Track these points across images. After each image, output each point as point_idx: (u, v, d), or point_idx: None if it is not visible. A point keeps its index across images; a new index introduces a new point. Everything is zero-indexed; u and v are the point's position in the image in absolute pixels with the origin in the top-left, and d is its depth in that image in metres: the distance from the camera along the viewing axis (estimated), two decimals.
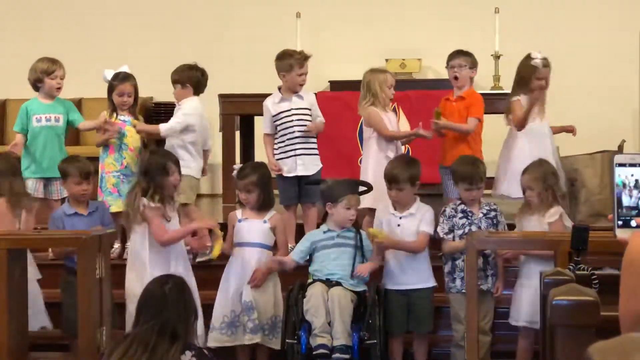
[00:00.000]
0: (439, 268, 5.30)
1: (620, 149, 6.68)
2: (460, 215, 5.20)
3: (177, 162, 5.13)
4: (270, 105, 5.95)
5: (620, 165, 2.18)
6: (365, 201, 5.50)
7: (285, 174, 5.90)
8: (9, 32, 9.56)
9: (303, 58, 5.89)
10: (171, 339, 3.39)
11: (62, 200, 5.86)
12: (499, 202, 5.72)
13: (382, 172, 5.39)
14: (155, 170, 5.00)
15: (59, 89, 6.18)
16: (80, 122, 6.26)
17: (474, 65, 6.15)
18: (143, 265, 4.90)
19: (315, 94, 6.39)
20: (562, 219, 5.10)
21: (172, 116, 6.23)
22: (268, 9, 9.30)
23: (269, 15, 9.24)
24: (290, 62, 5.86)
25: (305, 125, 5.88)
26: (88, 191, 5.33)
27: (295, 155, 5.88)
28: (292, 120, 5.87)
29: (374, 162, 5.76)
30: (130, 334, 3.49)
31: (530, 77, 5.94)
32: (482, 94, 6.40)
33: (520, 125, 5.91)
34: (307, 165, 5.90)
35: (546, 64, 5.97)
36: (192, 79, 6.13)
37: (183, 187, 5.62)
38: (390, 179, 5.21)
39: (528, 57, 6.01)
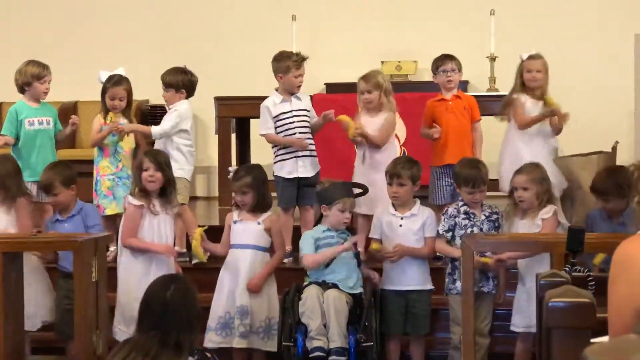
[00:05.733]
0: (435, 271, 5.30)
1: (614, 151, 6.68)
2: (463, 216, 5.20)
3: (154, 160, 5.13)
4: (272, 106, 5.93)
5: None
6: (364, 208, 5.53)
7: (286, 176, 5.90)
8: (1, 35, 9.54)
9: (300, 60, 5.88)
10: (175, 348, 3.26)
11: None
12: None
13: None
14: (137, 165, 5.17)
15: (46, 93, 6.18)
16: (59, 131, 6.25)
17: (461, 68, 6.19)
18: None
19: (311, 96, 6.38)
20: (557, 215, 5.15)
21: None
22: (264, 11, 9.30)
23: (265, 18, 9.23)
24: (288, 64, 5.85)
25: (305, 127, 5.88)
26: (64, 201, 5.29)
27: (296, 157, 5.88)
28: (293, 122, 5.88)
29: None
30: (131, 339, 3.37)
31: (521, 71, 6.01)
32: (478, 96, 6.43)
33: (524, 126, 5.94)
34: (307, 166, 5.90)
35: (534, 56, 6.01)
36: (186, 82, 6.12)
37: (179, 189, 5.68)
38: (393, 174, 5.23)
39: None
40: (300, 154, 5.88)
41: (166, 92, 6.12)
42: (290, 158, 5.89)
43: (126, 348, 3.27)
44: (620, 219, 5.12)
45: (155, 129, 6.05)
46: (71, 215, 5.25)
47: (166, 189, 5.13)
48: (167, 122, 6.07)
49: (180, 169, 5.94)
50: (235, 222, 5.22)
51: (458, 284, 5.11)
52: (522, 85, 6.00)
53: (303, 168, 5.88)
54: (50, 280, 5.25)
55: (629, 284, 2.03)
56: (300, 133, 5.88)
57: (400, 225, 5.24)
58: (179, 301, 3.34)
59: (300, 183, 5.91)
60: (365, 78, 5.85)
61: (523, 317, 4.95)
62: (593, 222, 5.22)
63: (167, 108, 6.17)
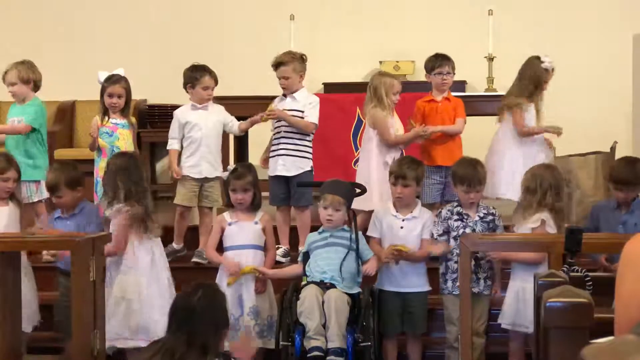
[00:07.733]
0: (432, 271, 5.30)
1: (612, 151, 6.69)
2: (455, 217, 5.18)
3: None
4: (277, 102, 5.99)
5: None
6: (368, 203, 5.53)
7: (270, 173, 5.95)
8: (1, 34, 9.54)
9: (274, 64, 5.90)
10: (202, 350, 3.39)
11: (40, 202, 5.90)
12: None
13: (382, 176, 5.51)
14: (137, 172, 5.07)
15: (11, 94, 6.17)
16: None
17: (455, 70, 6.22)
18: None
19: None
20: (545, 225, 4.93)
21: (165, 118, 6.21)
22: (262, 11, 9.30)
23: (263, 18, 9.24)
24: (273, 65, 5.92)
25: (292, 126, 5.88)
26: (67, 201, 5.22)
27: (278, 155, 5.91)
28: (280, 120, 5.89)
29: (374, 166, 5.78)
30: (160, 341, 3.54)
31: (543, 80, 6.04)
32: (476, 96, 6.45)
33: (525, 134, 6.00)
34: (288, 166, 5.89)
35: (554, 68, 6.05)
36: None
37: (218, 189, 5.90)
38: (398, 175, 5.22)
39: (537, 60, 6.05)
40: (281, 152, 5.89)
41: (212, 90, 6.05)
42: (274, 156, 5.93)
43: (154, 349, 3.45)
44: (630, 207, 5.17)
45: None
46: (73, 213, 5.22)
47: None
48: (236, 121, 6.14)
49: (218, 169, 6.02)
50: (230, 224, 5.21)
51: (449, 283, 5.14)
52: (535, 89, 6.03)
53: (282, 167, 5.90)
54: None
55: (636, 281, 2.03)
56: (285, 132, 5.89)
57: (402, 227, 5.24)
58: (206, 306, 3.50)
59: (291, 182, 5.91)
60: (397, 78, 5.97)
61: (509, 315, 4.97)
62: (600, 212, 5.25)
63: (204, 108, 6.05)
